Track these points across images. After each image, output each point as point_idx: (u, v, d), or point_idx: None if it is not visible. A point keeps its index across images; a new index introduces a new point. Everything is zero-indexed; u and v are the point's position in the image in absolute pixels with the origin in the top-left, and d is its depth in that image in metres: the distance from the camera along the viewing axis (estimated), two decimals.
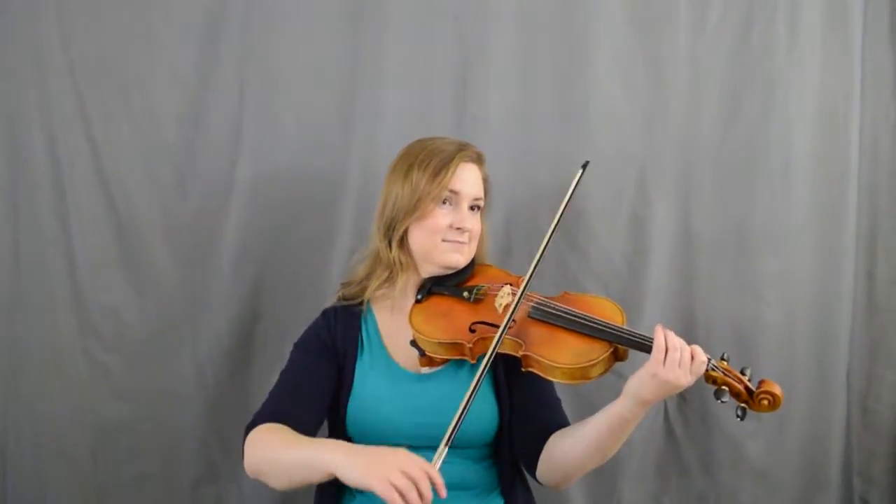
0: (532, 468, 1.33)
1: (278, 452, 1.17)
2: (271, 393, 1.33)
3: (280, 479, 1.17)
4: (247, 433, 1.24)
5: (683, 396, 1.86)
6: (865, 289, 1.95)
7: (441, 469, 1.30)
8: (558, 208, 1.32)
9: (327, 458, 1.10)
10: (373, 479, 1.02)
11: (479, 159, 1.41)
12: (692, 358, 1.15)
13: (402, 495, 1.00)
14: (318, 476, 1.12)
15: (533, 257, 1.29)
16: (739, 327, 1.87)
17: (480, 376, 1.15)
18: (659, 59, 1.84)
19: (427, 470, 1.03)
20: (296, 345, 1.41)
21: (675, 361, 1.14)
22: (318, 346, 1.38)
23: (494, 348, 1.20)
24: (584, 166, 1.39)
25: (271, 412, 1.27)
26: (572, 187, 1.35)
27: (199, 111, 1.75)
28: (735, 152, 1.86)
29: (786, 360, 1.87)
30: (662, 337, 1.16)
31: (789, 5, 1.85)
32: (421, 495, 1.01)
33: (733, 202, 1.87)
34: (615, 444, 1.24)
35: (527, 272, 1.29)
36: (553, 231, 1.30)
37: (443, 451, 1.09)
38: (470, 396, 1.13)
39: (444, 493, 1.04)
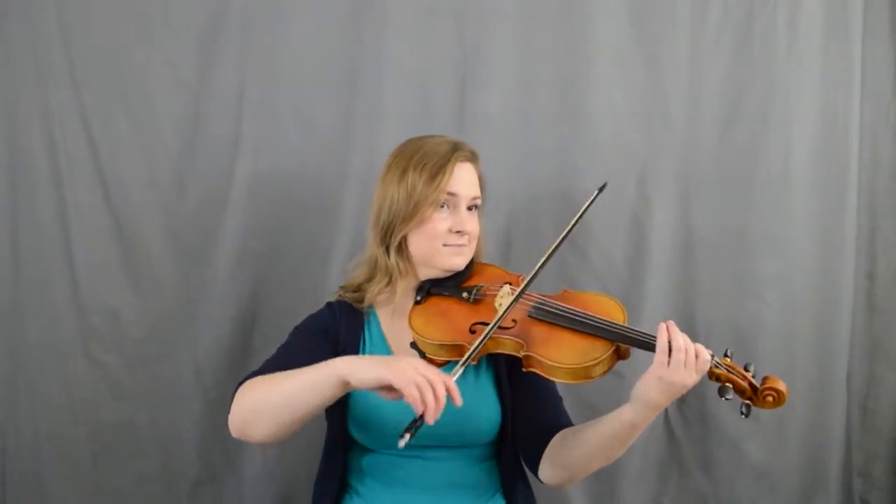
0: (535, 467, 1.33)
1: (277, 384, 1.14)
2: (265, 363, 1.30)
3: (271, 419, 1.13)
4: (236, 392, 1.21)
5: (683, 397, 1.85)
6: (865, 289, 1.95)
7: (442, 468, 1.31)
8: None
9: (338, 365, 1.08)
10: (392, 374, 1.02)
11: (473, 158, 1.38)
12: (696, 356, 1.12)
13: (421, 393, 1.00)
14: (323, 393, 1.09)
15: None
16: (739, 328, 1.87)
17: (470, 355, 1.16)
18: (659, 59, 1.84)
19: (444, 378, 1.03)
20: (296, 328, 1.39)
21: (681, 362, 1.11)
22: (320, 330, 1.36)
23: (482, 342, 1.18)
24: (601, 189, 1.35)
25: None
26: (585, 207, 1.31)
27: (198, 111, 1.75)
28: (735, 152, 1.86)
29: (786, 361, 1.87)
30: (666, 338, 1.12)
31: (789, 5, 1.85)
32: (436, 397, 1.01)
33: (733, 202, 1.86)
34: (622, 448, 1.22)
35: (528, 273, 1.28)
36: (558, 244, 1.28)
37: (459, 369, 1.09)
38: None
39: (459, 401, 1.03)
